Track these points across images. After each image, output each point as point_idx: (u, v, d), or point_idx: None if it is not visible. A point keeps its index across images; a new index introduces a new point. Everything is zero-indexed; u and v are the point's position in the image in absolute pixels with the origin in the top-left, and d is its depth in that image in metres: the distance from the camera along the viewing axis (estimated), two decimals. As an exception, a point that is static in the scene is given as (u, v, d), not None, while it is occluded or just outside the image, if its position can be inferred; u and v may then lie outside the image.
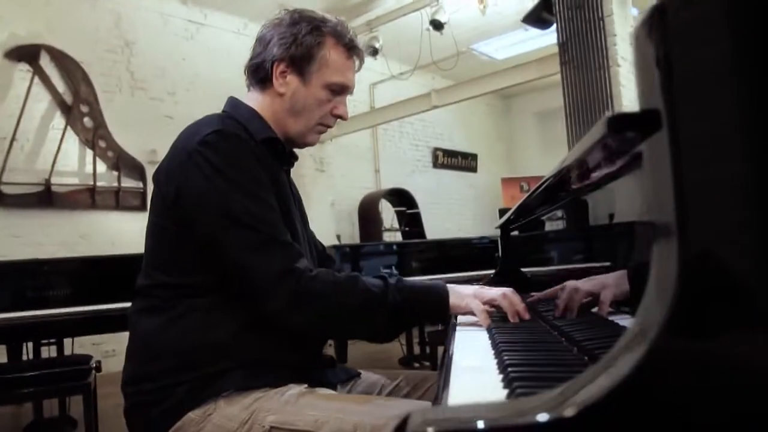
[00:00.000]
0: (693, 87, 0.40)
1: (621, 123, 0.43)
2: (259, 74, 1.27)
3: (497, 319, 1.17)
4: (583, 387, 0.36)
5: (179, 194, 1.12)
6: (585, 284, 0.97)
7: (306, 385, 1.12)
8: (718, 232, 0.38)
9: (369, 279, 1.14)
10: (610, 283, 0.87)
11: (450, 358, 0.80)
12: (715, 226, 0.38)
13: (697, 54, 0.40)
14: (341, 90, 1.28)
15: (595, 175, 0.72)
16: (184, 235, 1.13)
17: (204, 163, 1.10)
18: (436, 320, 1.25)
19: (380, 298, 1.11)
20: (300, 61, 1.23)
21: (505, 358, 0.72)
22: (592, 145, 0.48)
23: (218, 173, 1.09)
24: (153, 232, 1.21)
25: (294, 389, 1.09)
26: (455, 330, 1.11)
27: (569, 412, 0.34)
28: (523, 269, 1.78)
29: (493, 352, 0.83)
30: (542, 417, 0.34)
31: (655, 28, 0.41)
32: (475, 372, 0.72)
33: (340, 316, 1.11)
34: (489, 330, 1.05)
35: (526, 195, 1.41)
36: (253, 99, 1.29)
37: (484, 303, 1.18)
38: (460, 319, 1.24)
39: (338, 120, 1.33)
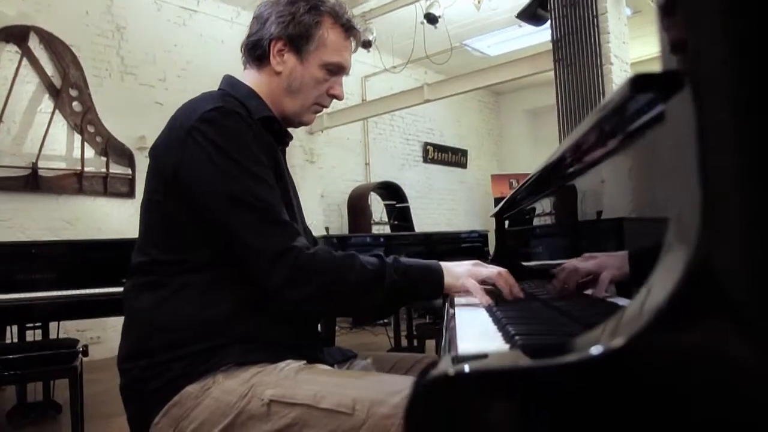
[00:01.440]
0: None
1: (644, 83, 0.43)
2: (256, 52, 1.26)
3: (492, 298, 1.18)
4: (618, 324, 0.36)
5: (177, 171, 1.11)
6: (584, 264, 0.98)
7: (304, 362, 1.12)
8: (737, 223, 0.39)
9: (366, 257, 1.14)
10: (610, 264, 0.88)
11: (453, 330, 0.80)
12: (735, 218, 0.39)
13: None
14: (338, 70, 1.28)
15: (603, 152, 0.73)
16: (180, 211, 1.13)
17: (204, 141, 1.09)
18: (431, 299, 1.27)
19: (378, 276, 1.11)
20: (298, 40, 1.23)
21: (510, 329, 0.72)
22: (613, 109, 0.49)
23: (218, 151, 1.09)
24: (148, 209, 1.20)
25: (293, 364, 1.09)
26: (454, 307, 1.11)
27: (618, 342, 0.34)
28: (516, 261, 1.79)
29: (495, 326, 0.84)
30: (596, 350, 0.35)
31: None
32: (480, 340, 0.72)
33: (338, 292, 1.11)
34: (488, 308, 1.06)
35: (518, 186, 1.41)
36: (250, 77, 1.28)
37: (479, 282, 1.19)
38: (458, 300, 1.25)
39: (332, 101, 1.33)
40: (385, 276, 1.11)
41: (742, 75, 0.40)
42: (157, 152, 1.18)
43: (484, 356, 0.39)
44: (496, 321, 0.88)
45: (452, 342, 0.70)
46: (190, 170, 1.10)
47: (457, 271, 1.20)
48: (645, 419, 0.36)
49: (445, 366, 0.36)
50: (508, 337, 0.70)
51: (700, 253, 0.38)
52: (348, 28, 1.28)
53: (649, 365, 0.36)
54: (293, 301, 1.08)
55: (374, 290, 1.12)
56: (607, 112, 0.51)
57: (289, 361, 1.10)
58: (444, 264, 1.21)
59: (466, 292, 1.20)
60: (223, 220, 1.08)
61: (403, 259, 1.17)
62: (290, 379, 1.05)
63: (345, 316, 1.26)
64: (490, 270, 1.22)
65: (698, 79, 0.40)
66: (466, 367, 0.36)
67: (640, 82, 0.43)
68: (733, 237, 0.39)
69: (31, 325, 3.36)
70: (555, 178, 1.07)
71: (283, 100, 1.27)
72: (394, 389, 0.97)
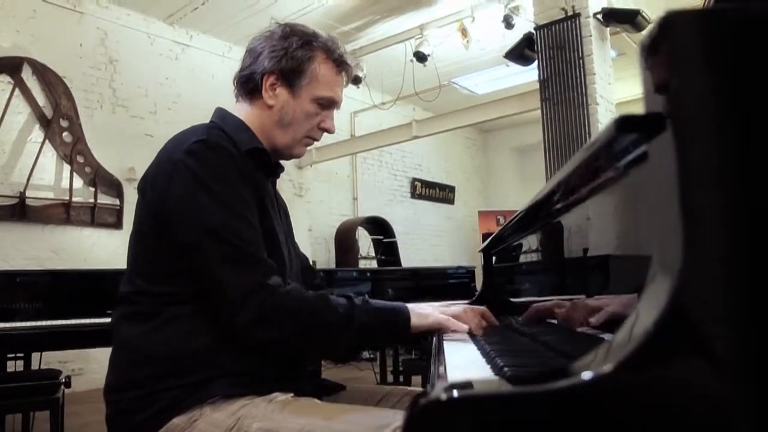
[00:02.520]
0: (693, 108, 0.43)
1: (628, 124, 0.46)
2: (248, 86, 1.28)
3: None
4: (607, 352, 0.38)
5: (163, 202, 1.13)
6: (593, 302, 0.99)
7: (292, 394, 1.12)
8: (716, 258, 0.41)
9: (336, 298, 1.15)
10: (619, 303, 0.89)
11: (443, 361, 0.81)
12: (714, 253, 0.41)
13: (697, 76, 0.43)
14: (329, 104, 1.30)
15: (588, 190, 0.75)
16: (166, 242, 1.13)
17: (187, 174, 1.10)
18: (398, 341, 1.29)
19: (347, 318, 1.12)
20: (290, 75, 1.25)
21: (499, 361, 0.73)
22: (599, 149, 0.51)
23: (199, 184, 1.09)
24: (136, 240, 1.20)
25: (280, 397, 1.09)
26: (442, 341, 1.12)
27: (608, 368, 0.36)
28: (503, 297, 1.80)
29: (484, 358, 0.85)
30: (587, 375, 0.36)
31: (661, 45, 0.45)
32: (469, 371, 0.73)
33: (307, 334, 1.12)
34: (476, 341, 1.07)
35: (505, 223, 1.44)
36: (241, 110, 1.30)
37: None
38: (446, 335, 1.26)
39: (323, 134, 1.35)
40: (354, 318, 1.12)
41: (722, 116, 0.42)
42: (145, 184, 1.19)
43: (471, 384, 0.41)
44: (485, 353, 0.89)
45: (442, 372, 0.71)
46: (173, 203, 1.11)
47: (424, 311, 1.22)
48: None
49: (438, 392, 0.38)
50: (497, 369, 0.71)
51: (681, 288, 0.40)
52: (340, 63, 1.30)
53: (631, 395, 0.37)
54: (261, 341, 1.08)
55: (343, 332, 1.12)
56: (593, 151, 0.54)
57: (276, 393, 1.10)
58: (410, 305, 1.23)
59: (434, 329, 1.22)
60: (198, 254, 1.09)
61: (372, 301, 1.18)
62: (277, 413, 1.04)
63: (312, 357, 1.22)
64: (456, 307, 1.27)
65: (679, 119, 0.42)
66: (456, 393, 0.38)
67: (624, 123, 0.46)
68: (713, 271, 0.41)
69: (12, 355, 3.30)
70: (542, 216, 1.09)
71: (274, 133, 1.28)
72: (381, 423, 0.97)
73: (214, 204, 1.09)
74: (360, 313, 1.13)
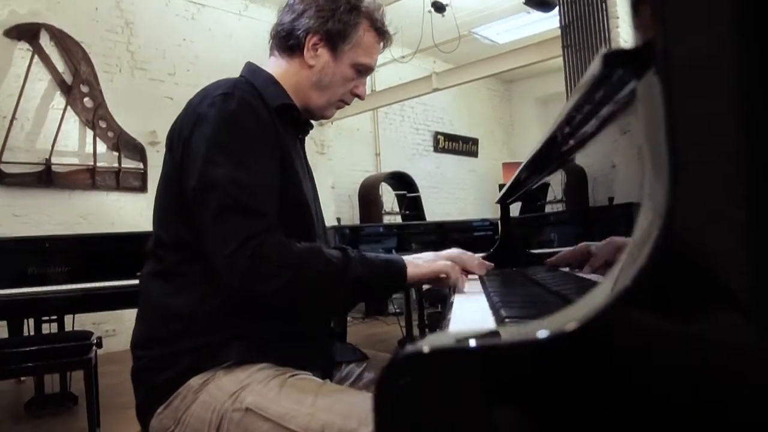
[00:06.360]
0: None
1: (616, 59, 0.43)
2: (288, 41, 1.26)
3: (493, 279, 1.19)
4: (582, 308, 0.37)
5: (182, 153, 1.12)
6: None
7: (302, 374, 1.10)
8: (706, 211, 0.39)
9: (329, 251, 1.12)
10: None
11: (448, 317, 0.81)
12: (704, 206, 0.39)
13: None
14: (365, 71, 1.30)
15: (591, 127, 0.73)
16: (185, 196, 1.12)
17: (206, 125, 1.09)
18: (394, 292, 1.27)
19: (342, 270, 1.09)
20: (335, 37, 1.24)
21: (503, 312, 0.72)
22: (591, 83, 0.49)
23: (214, 138, 1.08)
24: (162, 194, 1.20)
25: (285, 375, 1.07)
26: (454, 296, 1.12)
27: (571, 326, 0.35)
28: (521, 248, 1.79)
29: (491, 311, 0.84)
30: (542, 333, 0.35)
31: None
32: (472, 322, 0.72)
33: (299, 286, 1.07)
34: (487, 293, 1.06)
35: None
36: (276, 65, 1.28)
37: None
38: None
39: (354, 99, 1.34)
40: (349, 269, 1.09)
41: (714, 61, 0.40)
42: (172, 137, 1.18)
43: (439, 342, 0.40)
44: (492, 306, 0.88)
45: (443, 328, 0.70)
46: (188, 154, 1.11)
47: (419, 261, 1.22)
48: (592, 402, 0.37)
49: (407, 349, 0.38)
50: (500, 320, 0.71)
51: (667, 231, 0.38)
52: (381, 33, 1.29)
53: (610, 343, 0.36)
54: (251, 295, 1.05)
55: (339, 284, 1.10)
56: (589, 86, 0.51)
57: (287, 368, 1.09)
58: (406, 257, 1.21)
59: (431, 276, 1.21)
60: (197, 206, 1.07)
61: (366, 254, 1.15)
62: (273, 392, 1.03)
63: (308, 312, 1.19)
64: (452, 251, 1.28)
65: (669, 63, 0.40)
66: (411, 349, 0.37)
67: (611, 58, 0.44)
68: (701, 214, 0.39)
69: (47, 318, 3.41)
70: (554, 155, 1.07)
71: (310, 94, 1.28)
72: (369, 417, 0.94)
73: (221, 155, 1.07)
74: (355, 264, 1.10)
